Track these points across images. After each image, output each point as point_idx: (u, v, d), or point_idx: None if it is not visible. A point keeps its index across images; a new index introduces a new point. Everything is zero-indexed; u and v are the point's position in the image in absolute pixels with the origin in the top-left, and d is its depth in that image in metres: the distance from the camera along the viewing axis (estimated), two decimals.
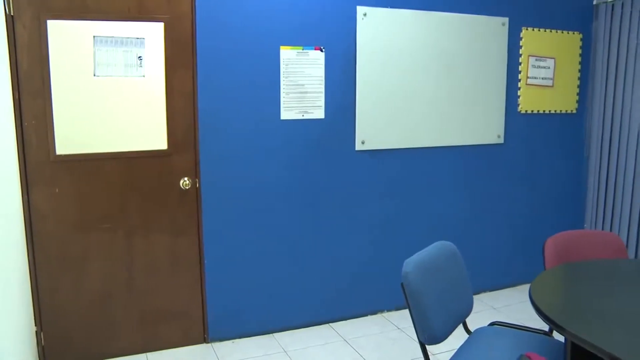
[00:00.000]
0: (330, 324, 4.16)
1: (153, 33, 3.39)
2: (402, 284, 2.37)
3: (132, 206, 3.51)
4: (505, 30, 4.43)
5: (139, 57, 3.38)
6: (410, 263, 2.38)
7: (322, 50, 3.80)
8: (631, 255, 4.67)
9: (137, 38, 3.36)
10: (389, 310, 4.35)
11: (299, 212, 3.93)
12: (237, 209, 3.75)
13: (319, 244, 4.03)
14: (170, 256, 3.65)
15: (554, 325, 2.10)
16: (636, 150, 4.56)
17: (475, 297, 4.65)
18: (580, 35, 4.83)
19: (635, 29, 4.51)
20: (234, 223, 3.75)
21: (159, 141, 3.52)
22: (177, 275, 3.69)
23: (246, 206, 3.77)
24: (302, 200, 3.93)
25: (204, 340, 3.83)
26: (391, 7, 3.97)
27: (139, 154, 3.48)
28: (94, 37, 3.26)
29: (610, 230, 4.82)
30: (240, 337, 3.90)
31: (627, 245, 4.69)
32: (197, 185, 3.64)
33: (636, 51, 4.51)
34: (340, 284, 4.16)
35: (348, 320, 4.22)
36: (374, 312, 4.32)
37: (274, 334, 3.98)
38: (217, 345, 3.81)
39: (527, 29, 4.54)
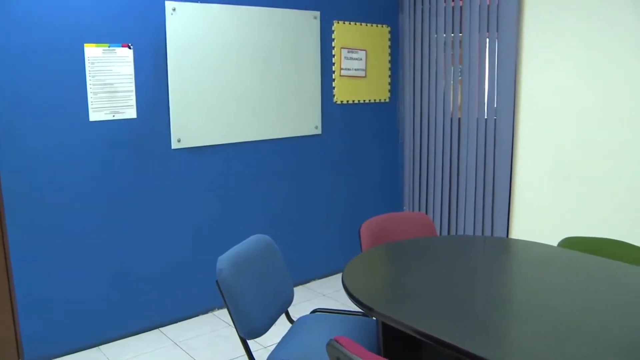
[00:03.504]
0: (160, 328, 4.04)
1: None
2: (217, 282, 2.34)
3: None
4: (317, 24, 4.55)
5: None
6: (224, 259, 2.36)
7: (130, 47, 3.65)
8: (444, 233, 5.03)
9: None
10: (220, 307, 4.31)
11: (116, 216, 3.76)
12: (47, 219, 3.50)
13: (139, 247, 3.89)
14: None
15: (362, 307, 2.19)
16: (443, 136, 4.91)
17: (306, 286, 4.75)
18: (389, 28, 5.09)
19: (434, 22, 4.84)
20: (44, 234, 3.50)
21: None
22: None
23: (57, 215, 3.53)
24: (118, 204, 3.76)
25: None
26: (201, 1, 3.91)
27: None
28: None
29: (426, 210, 5.15)
30: (62, 354, 3.65)
31: (440, 224, 5.04)
32: None
33: (437, 42, 4.84)
34: (166, 286, 4.04)
35: (179, 323, 4.12)
36: (204, 312, 4.26)
37: (100, 347, 3.78)
38: None
39: (338, 22, 4.69)
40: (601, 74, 3.84)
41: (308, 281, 4.85)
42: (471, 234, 4.78)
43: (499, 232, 4.56)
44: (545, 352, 1.77)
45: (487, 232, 4.67)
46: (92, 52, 3.52)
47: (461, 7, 4.66)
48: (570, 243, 2.98)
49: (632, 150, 3.73)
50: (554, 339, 1.86)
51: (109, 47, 3.58)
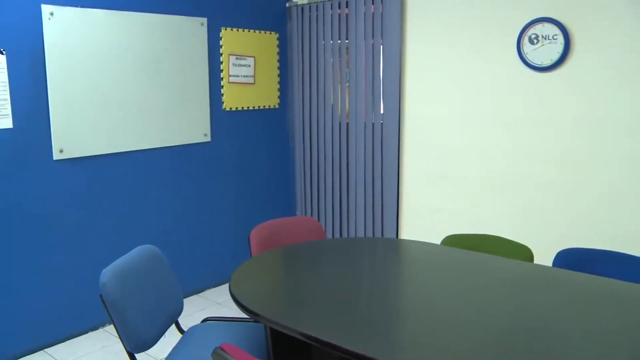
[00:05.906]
0: (46, 349, 3.85)
1: None
2: (100, 295, 2.27)
3: None
4: (204, 31, 4.51)
5: None
6: (108, 272, 2.29)
7: (2, 53, 3.46)
8: (337, 236, 5.11)
9: None
10: (110, 323, 4.17)
11: None
12: None
13: (19, 264, 3.68)
14: None
15: (248, 312, 2.19)
16: (332, 140, 5.00)
17: (200, 295, 4.69)
18: (277, 35, 5.12)
19: (322, 29, 4.92)
20: None
21: None
22: None
23: None
24: None
25: None
26: (82, 6, 3.78)
27: None
28: None
29: (318, 214, 5.22)
30: None
31: (332, 227, 5.12)
32: None
33: (325, 49, 4.93)
34: (51, 304, 3.85)
35: (66, 342, 3.94)
36: (94, 328, 4.10)
37: None
38: None
39: (226, 29, 4.68)
40: (480, 78, 4.05)
41: (202, 290, 4.79)
42: (362, 235, 4.89)
43: (389, 233, 4.69)
44: (429, 347, 1.85)
45: (378, 234, 4.80)
46: None
47: (347, 15, 4.77)
48: (452, 241, 3.13)
49: (509, 151, 3.96)
50: (438, 335, 1.94)
51: None
